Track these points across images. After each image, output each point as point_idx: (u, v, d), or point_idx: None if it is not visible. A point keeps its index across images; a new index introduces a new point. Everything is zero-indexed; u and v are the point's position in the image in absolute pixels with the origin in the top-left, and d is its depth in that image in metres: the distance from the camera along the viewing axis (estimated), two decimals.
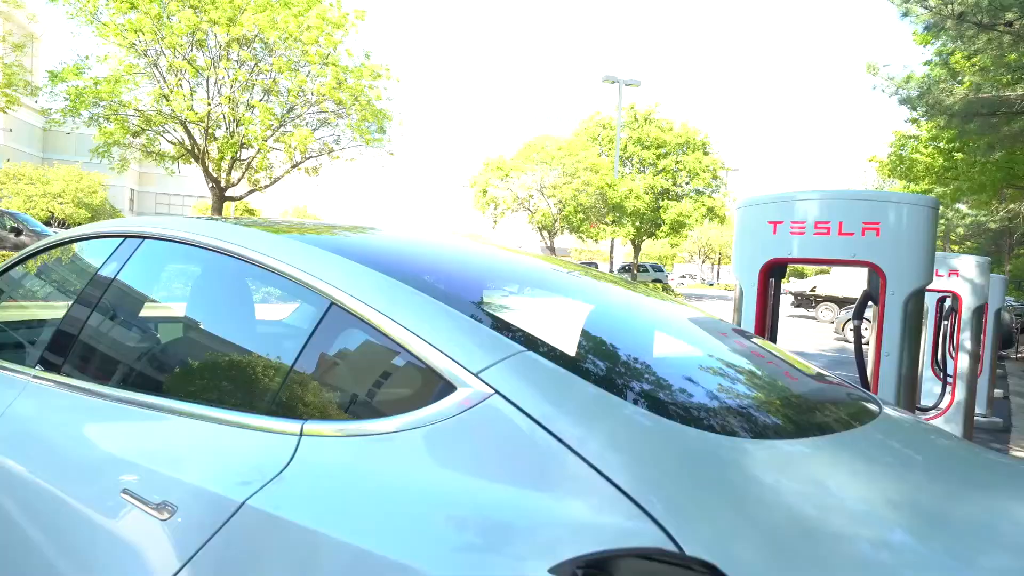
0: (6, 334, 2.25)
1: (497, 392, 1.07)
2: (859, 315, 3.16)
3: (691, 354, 1.64)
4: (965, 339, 5.79)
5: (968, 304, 5.82)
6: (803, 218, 3.12)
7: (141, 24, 17.35)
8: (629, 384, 1.21)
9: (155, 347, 1.81)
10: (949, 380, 5.86)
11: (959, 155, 16.69)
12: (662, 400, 1.20)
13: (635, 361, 1.39)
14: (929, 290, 6.29)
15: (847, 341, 16.95)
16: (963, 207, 24.18)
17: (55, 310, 1.97)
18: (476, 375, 1.10)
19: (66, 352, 1.75)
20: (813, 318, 25.32)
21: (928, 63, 14.87)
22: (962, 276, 5.81)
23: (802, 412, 1.37)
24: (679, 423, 1.07)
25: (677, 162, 34.99)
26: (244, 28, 17.60)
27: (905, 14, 11.06)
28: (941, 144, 17.47)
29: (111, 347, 1.77)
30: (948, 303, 6.02)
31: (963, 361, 5.80)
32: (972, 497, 1.14)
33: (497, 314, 1.34)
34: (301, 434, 1.20)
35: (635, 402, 1.12)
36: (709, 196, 35.51)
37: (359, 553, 0.98)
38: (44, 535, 1.42)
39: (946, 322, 6.13)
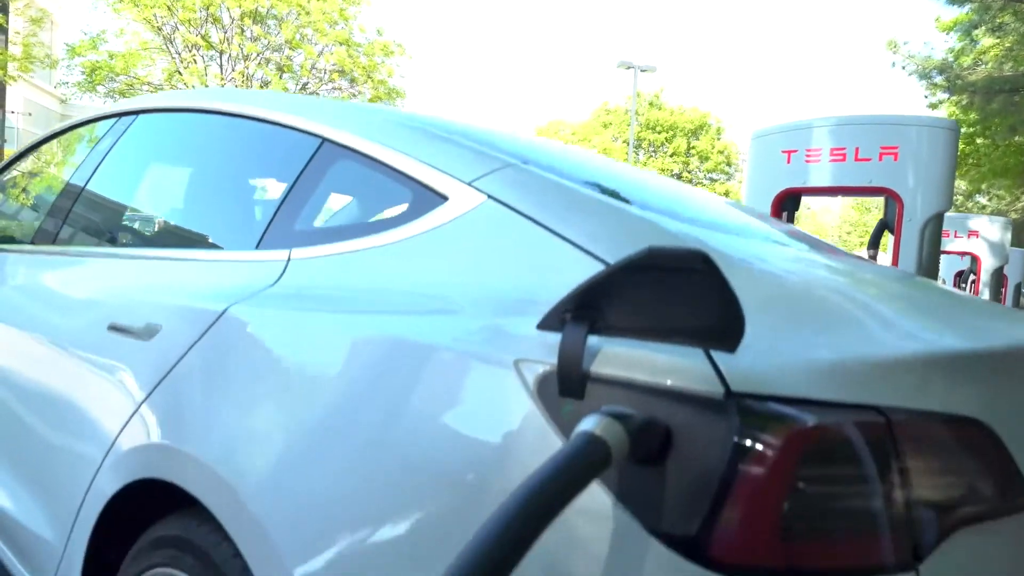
0: (8, 223, 2.26)
1: (490, 197, 1.02)
2: (874, 244, 3.08)
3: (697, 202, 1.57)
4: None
5: (987, 266, 5.71)
6: (819, 145, 3.04)
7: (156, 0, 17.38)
8: (627, 195, 1.16)
9: (147, 205, 1.79)
10: None
11: (980, 140, 16.39)
12: (662, 209, 1.15)
13: (635, 186, 1.34)
14: (947, 252, 6.14)
15: None
16: (982, 199, 23.77)
17: (51, 193, 1.96)
18: (469, 184, 1.05)
19: (58, 224, 1.75)
20: None
21: (951, 51, 14.56)
22: (982, 237, 5.68)
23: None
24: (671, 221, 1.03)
25: (691, 147, 34.64)
26: (256, 2, 17.58)
27: None
28: (963, 128, 17.16)
29: (102, 213, 1.76)
30: (968, 267, 5.91)
31: None
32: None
33: (482, 141, 1.28)
34: (289, 259, 1.16)
35: (629, 203, 1.07)
36: (723, 183, 35.18)
37: (349, 338, 0.94)
38: (38, 380, 1.45)
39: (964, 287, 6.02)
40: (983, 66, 13.05)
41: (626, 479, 0.68)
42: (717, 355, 0.70)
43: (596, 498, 0.68)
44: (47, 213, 1.84)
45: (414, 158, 1.13)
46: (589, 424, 0.62)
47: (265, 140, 1.44)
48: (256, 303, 1.08)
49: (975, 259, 5.72)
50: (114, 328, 1.27)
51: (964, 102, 14.04)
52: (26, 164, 2.27)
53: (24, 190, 2.26)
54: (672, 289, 0.67)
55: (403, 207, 1.12)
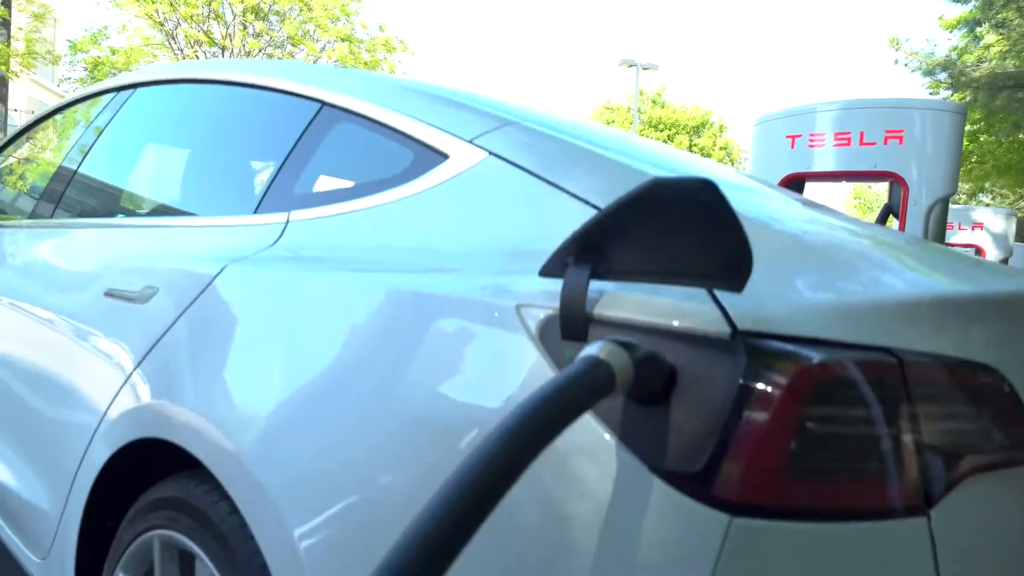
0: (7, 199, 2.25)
1: (491, 154, 1.01)
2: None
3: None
4: None
5: (992, 259, 5.68)
6: (823, 130, 3.02)
7: None
8: (629, 153, 1.13)
9: (146, 176, 1.78)
10: None
11: (984, 136, 16.30)
12: (664, 166, 1.13)
13: (636, 146, 1.32)
14: (952, 245, 6.13)
15: None
16: (985, 198, 23.65)
17: (51, 168, 1.95)
18: (470, 142, 1.04)
19: (56, 198, 1.75)
20: None
21: (954, 48, 14.48)
22: (986, 229, 5.66)
23: None
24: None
25: (693, 144, 34.58)
26: None
27: None
28: (965, 126, 17.08)
29: (100, 186, 1.76)
30: None
31: None
32: None
33: (482, 102, 1.26)
34: (287, 221, 1.15)
35: (631, 158, 1.05)
36: None
37: (349, 294, 0.93)
38: (34, 350, 1.45)
39: None
40: (987, 63, 13.00)
41: (629, 418, 0.66)
42: (723, 296, 0.68)
43: (598, 438, 0.67)
44: (45, 187, 1.84)
45: (414, 118, 1.12)
46: (594, 349, 0.60)
47: (263, 107, 1.42)
48: (253, 263, 1.06)
49: (979, 251, 5.70)
50: (110, 294, 1.26)
51: (967, 99, 13.98)
52: (26, 142, 2.26)
53: (25, 167, 2.25)
54: (677, 225, 0.65)
55: (403, 167, 1.10)
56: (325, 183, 1.22)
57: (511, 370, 0.74)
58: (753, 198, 1.07)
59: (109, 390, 1.16)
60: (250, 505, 0.91)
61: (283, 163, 1.27)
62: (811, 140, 3.12)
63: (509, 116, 1.09)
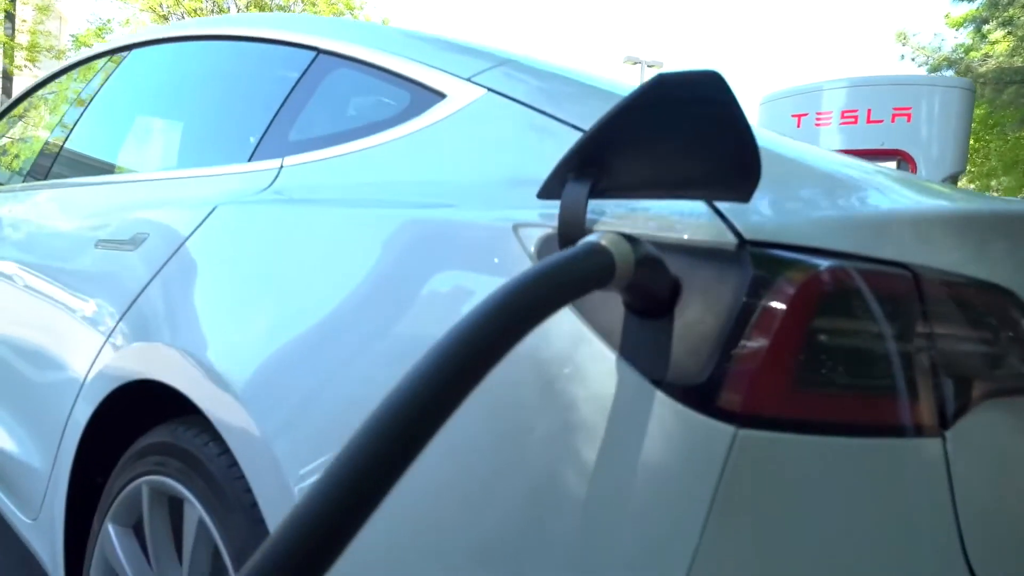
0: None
1: (490, 90, 0.98)
2: None
3: None
4: None
5: None
6: (829, 108, 2.98)
7: None
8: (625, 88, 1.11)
9: (140, 134, 1.75)
10: None
11: (990, 136, 16.20)
12: None
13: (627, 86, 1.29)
14: None
15: None
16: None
17: (46, 133, 1.93)
18: (468, 80, 1.01)
19: (51, 160, 1.73)
20: None
21: (961, 46, 14.39)
22: None
23: None
24: None
25: None
26: None
27: None
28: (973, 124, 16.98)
29: (95, 146, 1.74)
30: None
31: None
32: None
33: (478, 45, 1.24)
34: (281, 167, 1.12)
35: (624, 89, 1.03)
36: None
37: (343, 227, 0.90)
38: (26, 309, 1.44)
39: None
40: (993, 59, 12.92)
41: (631, 334, 0.63)
42: (729, 209, 0.65)
43: (599, 354, 0.64)
44: (40, 151, 1.82)
45: (411, 60, 1.09)
46: (596, 236, 0.57)
47: (258, 59, 1.40)
48: (245, 203, 1.04)
49: None
50: (102, 244, 1.24)
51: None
52: (22, 111, 2.24)
53: (21, 133, 2.23)
54: (682, 128, 0.62)
55: (400, 108, 1.08)
56: (320, 129, 1.20)
57: None
58: (764, 134, 1.05)
59: (99, 336, 1.14)
60: (241, 444, 0.88)
61: (277, 112, 1.24)
62: (817, 119, 3.09)
63: (507, 56, 1.07)
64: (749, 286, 0.60)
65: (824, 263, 0.60)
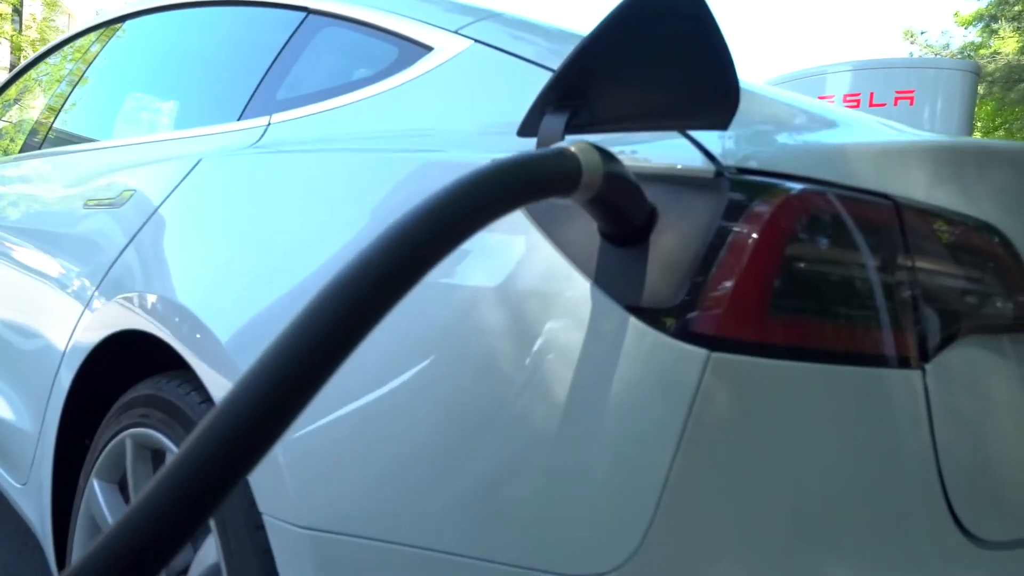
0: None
1: (476, 41, 0.97)
2: None
3: None
4: None
5: None
6: (832, 92, 2.96)
7: None
8: None
9: (133, 102, 1.76)
10: None
11: (1000, 133, 16.08)
12: None
13: None
14: None
15: None
16: None
17: (39, 106, 1.93)
18: (455, 32, 1.01)
19: (44, 132, 1.73)
20: None
21: (971, 44, 14.28)
22: None
23: None
24: None
25: None
26: None
27: None
28: (979, 122, 16.87)
29: (88, 115, 1.74)
30: None
31: None
32: None
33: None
34: (269, 124, 1.12)
35: None
36: None
37: (327, 171, 0.89)
38: (17, 273, 1.44)
39: None
40: (1002, 56, 12.83)
41: (605, 261, 0.62)
42: (706, 139, 0.64)
43: (572, 282, 0.63)
44: (34, 127, 1.82)
45: (399, 15, 1.09)
46: (566, 143, 0.56)
47: (249, 22, 1.40)
48: (230, 155, 1.04)
49: None
50: (89, 204, 1.24)
51: (982, 92, 13.81)
52: (15, 92, 2.24)
53: (17, 108, 2.24)
54: (660, 52, 0.61)
55: (388, 63, 1.07)
56: (309, 87, 1.19)
57: (494, 229, 0.71)
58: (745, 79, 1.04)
59: (86, 294, 1.14)
60: (222, 391, 0.88)
61: (266, 72, 1.24)
62: None
63: (493, 11, 1.06)
64: (725, 210, 0.59)
65: (798, 186, 0.59)
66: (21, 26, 14.76)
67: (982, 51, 13.69)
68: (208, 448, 0.36)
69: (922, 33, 14.14)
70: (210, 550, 0.87)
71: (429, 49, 1.02)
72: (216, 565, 0.84)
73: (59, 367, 1.18)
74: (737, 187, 0.60)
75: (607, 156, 0.56)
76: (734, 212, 0.59)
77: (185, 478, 0.36)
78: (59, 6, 17.87)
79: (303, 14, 1.25)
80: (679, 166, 0.63)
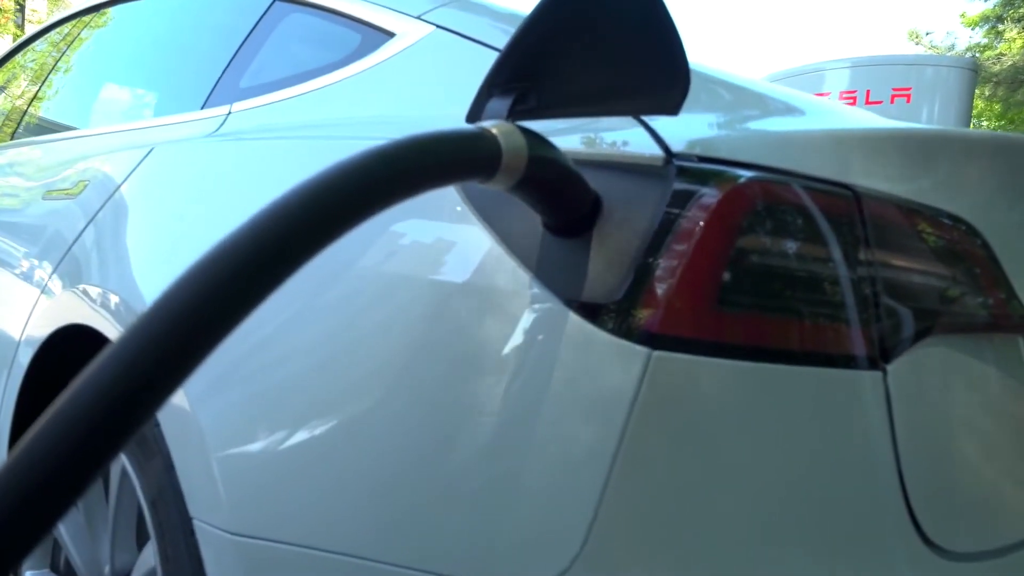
0: None
1: (439, 27, 0.94)
2: None
3: None
4: None
5: None
6: (828, 89, 2.92)
7: None
8: None
9: (98, 93, 1.73)
10: None
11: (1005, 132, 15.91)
12: None
13: None
14: None
15: None
16: None
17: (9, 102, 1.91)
18: (417, 17, 0.97)
19: (17, 122, 1.71)
20: None
21: (977, 45, 14.17)
22: None
23: None
24: None
25: None
26: None
27: None
28: (985, 121, 16.76)
29: (55, 107, 1.72)
30: None
31: None
32: None
33: None
34: (229, 112, 1.09)
35: None
36: None
37: (281, 158, 0.86)
38: None
39: None
40: (1007, 57, 12.74)
41: (546, 253, 0.59)
42: (656, 125, 0.60)
43: (512, 274, 0.59)
44: (8, 113, 1.79)
45: (361, 1, 1.06)
46: (488, 123, 0.52)
47: (215, 10, 1.37)
48: (184, 143, 1.00)
49: None
50: (49, 195, 1.21)
51: (987, 93, 13.69)
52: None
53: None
54: (605, 31, 0.57)
55: (350, 50, 1.04)
56: (271, 75, 1.16)
57: (433, 218, 0.67)
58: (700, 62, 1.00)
59: (40, 282, 1.11)
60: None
61: (230, 61, 1.20)
62: None
63: None
64: (671, 199, 0.55)
65: (747, 174, 0.55)
66: (24, 21, 14.78)
67: (988, 52, 13.57)
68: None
69: (927, 34, 14.05)
70: (149, 555, 0.83)
71: (391, 35, 0.99)
72: (153, 570, 0.81)
73: (15, 353, 1.15)
74: (685, 175, 0.56)
75: (535, 139, 0.52)
76: (680, 201, 0.55)
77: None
78: (61, 1, 17.89)
79: (269, 1, 1.21)
80: (624, 152, 0.59)
